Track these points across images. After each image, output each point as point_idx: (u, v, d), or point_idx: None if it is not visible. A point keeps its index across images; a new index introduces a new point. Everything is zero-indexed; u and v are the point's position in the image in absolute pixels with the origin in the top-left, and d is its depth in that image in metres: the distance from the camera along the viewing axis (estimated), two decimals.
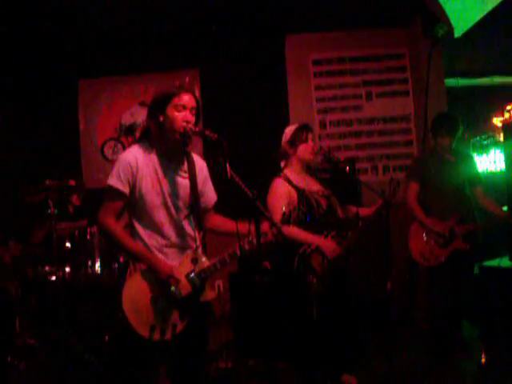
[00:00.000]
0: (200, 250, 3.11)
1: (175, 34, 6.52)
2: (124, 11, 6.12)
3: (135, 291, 3.00)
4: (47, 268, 5.01)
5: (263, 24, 6.48)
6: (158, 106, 3.04)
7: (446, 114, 5.38)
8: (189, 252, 3.08)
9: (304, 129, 4.25)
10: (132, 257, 3.05)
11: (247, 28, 6.50)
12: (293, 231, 4.04)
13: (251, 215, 2.79)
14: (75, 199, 5.53)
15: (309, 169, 4.37)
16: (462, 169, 4.87)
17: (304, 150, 4.21)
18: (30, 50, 6.50)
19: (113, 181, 3.00)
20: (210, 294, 3.12)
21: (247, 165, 5.95)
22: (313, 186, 4.27)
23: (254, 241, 2.94)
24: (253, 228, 2.83)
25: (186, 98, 3.04)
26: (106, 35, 6.45)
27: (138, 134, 5.96)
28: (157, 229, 3.07)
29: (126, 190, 3.01)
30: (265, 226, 2.99)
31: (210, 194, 3.32)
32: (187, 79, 6.77)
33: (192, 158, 3.24)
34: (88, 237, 4.93)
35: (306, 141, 4.20)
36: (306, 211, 4.09)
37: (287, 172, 4.23)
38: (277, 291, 4.43)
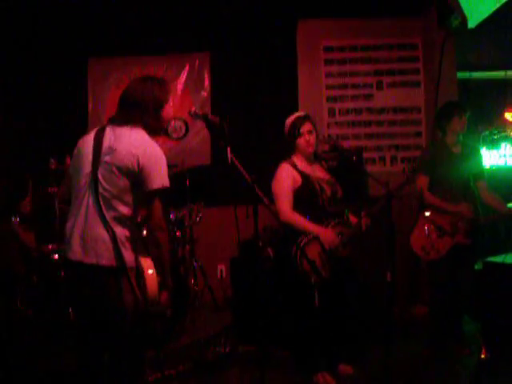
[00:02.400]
0: None
1: (187, 16, 6.49)
2: None
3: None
4: (50, 246, 5.04)
5: (275, 8, 6.42)
6: (159, 106, 3.12)
7: (451, 101, 5.33)
8: None
9: (298, 121, 4.21)
10: (164, 269, 3.03)
11: (259, 12, 6.45)
12: (294, 218, 4.04)
13: (250, 200, 2.78)
14: None
15: (316, 157, 4.35)
16: (469, 162, 4.80)
17: (300, 144, 4.19)
18: (39, 28, 6.48)
19: (168, 181, 2.99)
20: None
21: (255, 149, 5.98)
22: (319, 172, 4.27)
23: None
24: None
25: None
26: (117, 15, 6.42)
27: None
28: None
29: None
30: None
31: None
32: (197, 62, 6.74)
33: None
34: None
35: (301, 134, 4.16)
36: (309, 196, 4.08)
37: (295, 158, 4.23)
38: (277, 278, 4.43)
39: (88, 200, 2.99)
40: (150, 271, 2.95)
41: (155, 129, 3.09)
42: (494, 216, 4.79)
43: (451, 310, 4.76)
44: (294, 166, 4.16)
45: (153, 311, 3.03)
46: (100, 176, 2.97)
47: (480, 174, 4.88)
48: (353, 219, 4.26)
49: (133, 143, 2.97)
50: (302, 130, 4.17)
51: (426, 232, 4.72)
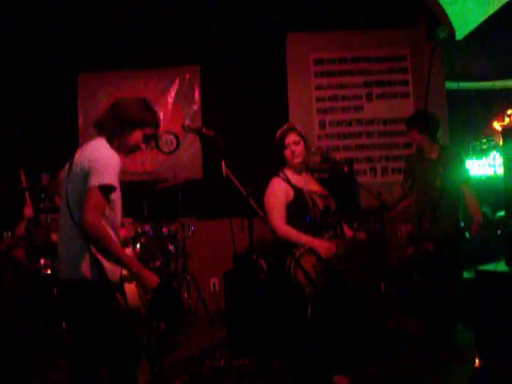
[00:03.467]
0: None
1: (176, 29, 6.52)
2: (125, 6, 6.12)
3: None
4: (42, 261, 5.02)
5: (265, 21, 6.47)
6: (131, 124, 3.11)
7: (422, 112, 5.40)
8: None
9: (283, 133, 4.20)
10: (119, 263, 2.99)
11: (249, 25, 6.49)
12: (288, 231, 4.04)
13: (245, 212, 2.80)
14: None
15: (308, 168, 4.35)
16: (446, 167, 4.81)
17: (287, 155, 4.18)
18: (30, 44, 6.49)
19: (110, 179, 2.92)
20: None
21: (246, 162, 5.98)
22: (312, 185, 4.26)
23: None
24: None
25: (155, 130, 3.15)
26: (107, 30, 6.44)
27: None
28: (115, 226, 3.08)
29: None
30: None
31: None
32: (188, 75, 6.77)
33: None
34: None
35: (286, 146, 4.17)
36: (300, 210, 4.08)
37: (287, 171, 4.22)
38: (271, 290, 4.42)
39: (65, 218, 3.02)
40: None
41: (121, 147, 3.13)
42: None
43: (436, 317, 4.79)
44: (286, 180, 4.15)
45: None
46: (68, 191, 3.01)
47: (462, 178, 4.90)
48: (347, 231, 4.27)
49: (88, 150, 3.06)
50: (286, 142, 4.17)
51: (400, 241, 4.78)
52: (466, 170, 5.05)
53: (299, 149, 4.17)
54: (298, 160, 4.18)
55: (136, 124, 3.10)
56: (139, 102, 3.19)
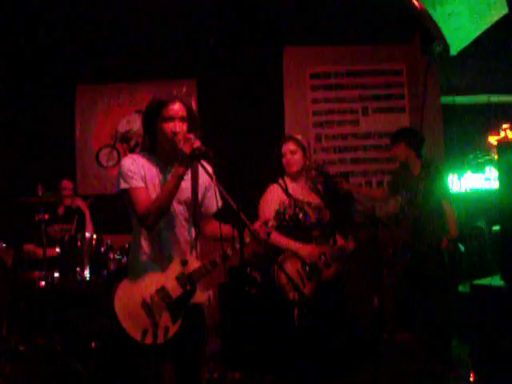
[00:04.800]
0: (193, 252, 3.12)
1: (174, 43, 6.55)
2: (124, 20, 6.15)
3: (126, 295, 2.99)
4: (36, 273, 5.01)
5: (261, 36, 6.50)
6: (149, 119, 3.06)
7: (408, 127, 5.46)
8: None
9: (281, 142, 4.26)
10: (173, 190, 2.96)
11: (245, 39, 6.52)
12: (276, 237, 4.05)
13: (235, 227, 2.80)
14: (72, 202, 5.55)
15: (307, 179, 4.37)
16: (427, 183, 4.84)
17: (283, 164, 4.23)
18: (28, 54, 6.52)
19: (118, 186, 3.01)
20: (200, 297, 3.13)
21: (242, 176, 5.97)
22: (308, 196, 4.27)
23: (246, 240, 2.94)
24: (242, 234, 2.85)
25: (174, 108, 3.00)
26: (106, 43, 6.47)
27: (133, 142, 5.94)
28: (156, 234, 3.03)
29: (142, 183, 3.00)
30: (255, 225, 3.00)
31: (211, 202, 3.20)
32: (184, 89, 6.79)
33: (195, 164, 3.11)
34: (78, 243, 4.93)
35: (283, 154, 4.21)
36: (291, 219, 4.09)
37: (286, 179, 4.25)
38: (264, 303, 4.42)
39: None
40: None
41: (163, 147, 3.07)
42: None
43: (431, 330, 4.81)
44: (284, 188, 4.18)
45: None
46: None
47: (442, 194, 4.93)
48: (340, 242, 4.27)
49: None
50: (283, 150, 4.22)
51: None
52: (447, 186, 5.09)
53: (295, 158, 4.21)
54: (293, 169, 4.22)
55: (153, 115, 3.02)
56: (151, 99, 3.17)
